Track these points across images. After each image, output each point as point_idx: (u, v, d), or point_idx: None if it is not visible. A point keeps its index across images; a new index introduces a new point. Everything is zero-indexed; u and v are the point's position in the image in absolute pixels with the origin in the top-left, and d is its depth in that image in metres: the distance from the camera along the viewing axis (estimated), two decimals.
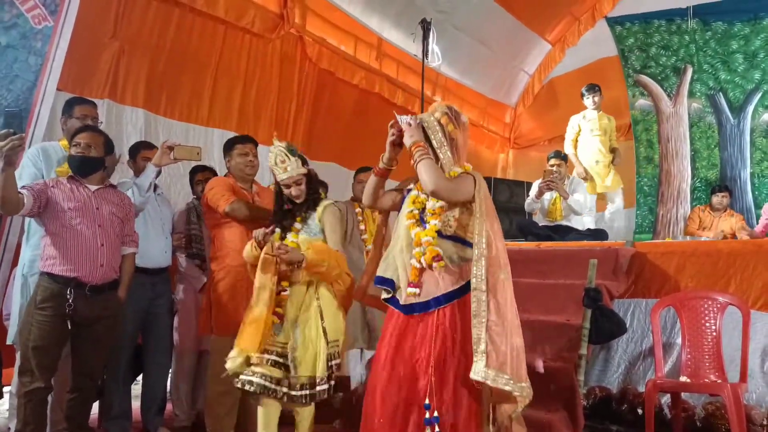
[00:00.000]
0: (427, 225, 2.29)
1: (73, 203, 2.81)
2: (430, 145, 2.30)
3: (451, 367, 2.17)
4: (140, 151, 3.54)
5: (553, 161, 5.24)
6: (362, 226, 4.23)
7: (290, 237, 2.84)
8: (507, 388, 2.09)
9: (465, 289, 2.20)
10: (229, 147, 3.48)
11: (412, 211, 2.35)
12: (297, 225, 2.87)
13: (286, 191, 2.86)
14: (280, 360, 2.70)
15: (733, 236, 5.57)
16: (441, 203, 2.28)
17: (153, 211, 3.48)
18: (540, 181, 5.24)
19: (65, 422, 2.89)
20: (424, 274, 2.26)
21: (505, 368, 2.09)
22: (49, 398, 2.86)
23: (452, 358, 2.18)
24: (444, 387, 2.16)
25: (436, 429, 2.12)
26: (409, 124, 2.30)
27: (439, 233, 2.26)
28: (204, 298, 3.43)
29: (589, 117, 6.17)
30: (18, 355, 2.93)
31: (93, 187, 2.92)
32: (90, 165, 2.90)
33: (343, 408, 3.60)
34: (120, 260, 2.97)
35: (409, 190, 2.44)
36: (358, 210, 4.12)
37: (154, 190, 3.44)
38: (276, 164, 2.80)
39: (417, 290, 2.25)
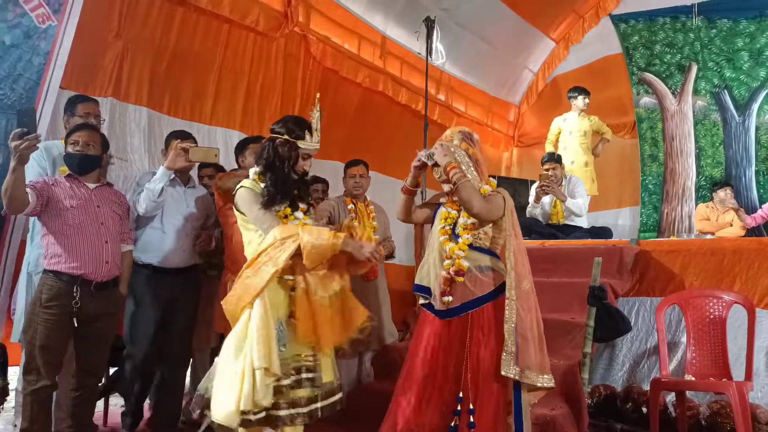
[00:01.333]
0: (459, 239, 2.59)
1: (75, 201, 2.82)
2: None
3: (483, 363, 2.46)
4: (172, 140, 3.37)
5: (547, 165, 5.23)
6: (355, 222, 4.23)
7: (300, 215, 2.49)
8: (532, 382, 2.44)
9: (493, 295, 2.54)
10: (242, 147, 3.58)
11: (444, 227, 2.65)
12: (302, 205, 2.52)
13: (302, 162, 2.50)
14: (305, 376, 2.34)
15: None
16: (473, 220, 2.57)
17: (175, 207, 3.28)
18: (536, 185, 5.25)
19: (69, 420, 2.89)
20: (455, 283, 2.56)
21: (532, 365, 2.44)
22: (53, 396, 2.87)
23: (485, 354, 2.47)
24: (478, 381, 2.44)
25: (471, 419, 2.40)
26: (431, 156, 2.61)
27: (470, 245, 2.57)
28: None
29: (569, 119, 6.31)
30: (23, 354, 2.95)
31: (91, 185, 2.93)
32: (89, 163, 2.90)
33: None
34: (120, 257, 2.98)
35: (440, 204, 2.72)
36: (350, 206, 4.12)
37: (186, 184, 3.37)
38: (316, 129, 2.55)
39: (450, 298, 2.55)
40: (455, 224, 2.63)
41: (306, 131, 2.49)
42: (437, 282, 2.58)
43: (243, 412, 2.10)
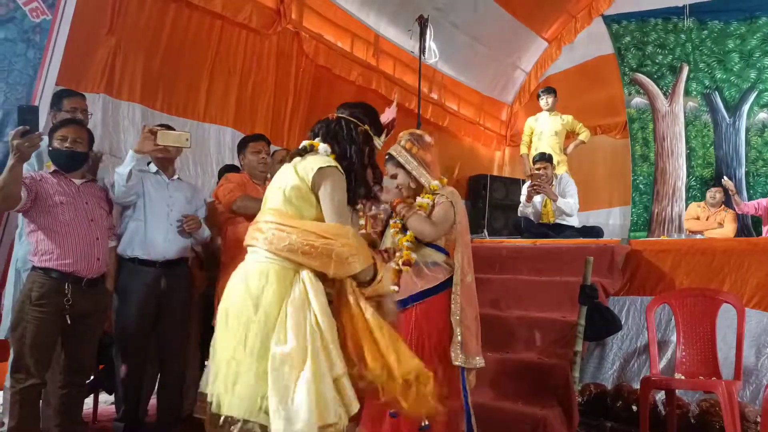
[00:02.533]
0: (408, 232, 2.70)
1: (64, 198, 2.79)
2: (407, 171, 2.74)
3: (428, 353, 2.56)
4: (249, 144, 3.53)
5: (538, 164, 5.25)
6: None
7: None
8: (474, 366, 2.66)
9: (437, 289, 2.66)
10: (242, 145, 3.58)
11: (395, 221, 2.78)
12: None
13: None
14: None
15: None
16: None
17: (158, 196, 3.22)
18: (527, 185, 5.27)
19: (59, 417, 2.87)
20: (402, 275, 2.65)
21: (473, 352, 2.65)
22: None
23: (430, 344, 2.60)
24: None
25: None
26: (377, 215, 2.80)
27: (419, 240, 2.68)
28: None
29: (541, 119, 6.28)
30: (11, 351, 2.92)
31: (78, 182, 2.90)
32: (77, 160, 2.87)
33: None
34: (108, 253, 2.97)
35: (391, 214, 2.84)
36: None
37: (170, 176, 3.32)
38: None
39: (397, 288, 2.60)
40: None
41: (379, 131, 2.26)
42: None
43: (326, 426, 1.80)
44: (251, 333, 1.85)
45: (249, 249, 2.03)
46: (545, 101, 6.20)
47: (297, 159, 2.08)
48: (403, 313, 2.56)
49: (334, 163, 2.03)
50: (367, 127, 2.17)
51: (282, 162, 3.49)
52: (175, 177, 3.37)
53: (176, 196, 3.29)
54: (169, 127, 3.19)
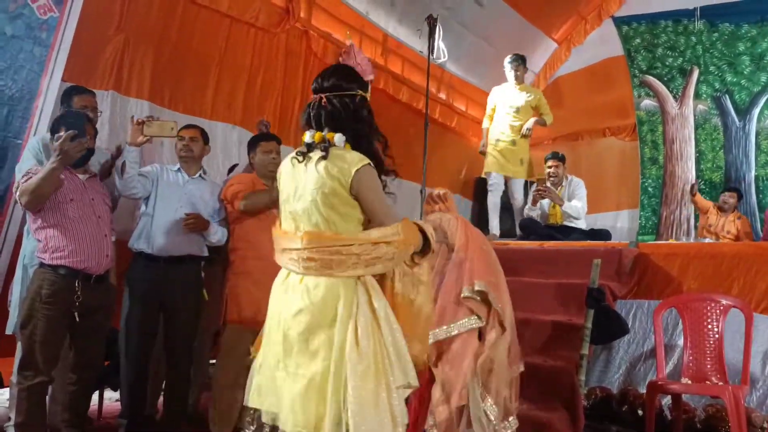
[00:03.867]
0: None
1: (71, 194, 2.80)
2: None
3: None
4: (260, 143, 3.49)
5: (550, 162, 5.21)
6: None
7: None
8: None
9: None
10: (253, 144, 3.56)
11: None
12: None
13: None
14: None
15: (737, 238, 5.54)
16: None
17: (170, 193, 3.27)
18: (534, 188, 5.24)
19: (66, 413, 2.88)
20: None
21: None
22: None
23: None
24: None
25: None
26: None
27: None
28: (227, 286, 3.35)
29: (506, 91, 5.82)
30: (19, 347, 2.93)
31: (82, 177, 2.90)
32: (85, 156, 2.88)
33: None
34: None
35: None
36: None
37: (193, 174, 3.38)
38: None
39: None
40: None
41: (365, 86, 2.05)
42: None
43: None
44: (315, 347, 1.81)
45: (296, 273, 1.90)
46: (511, 71, 5.67)
47: (316, 157, 1.90)
48: None
49: (365, 159, 1.89)
50: (360, 92, 1.99)
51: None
52: (197, 176, 3.41)
53: (191, 194, 3.32)
54: (156, 119, 3.21)
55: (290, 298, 1.87)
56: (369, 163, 1.88)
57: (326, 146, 1.90)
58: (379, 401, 1.75)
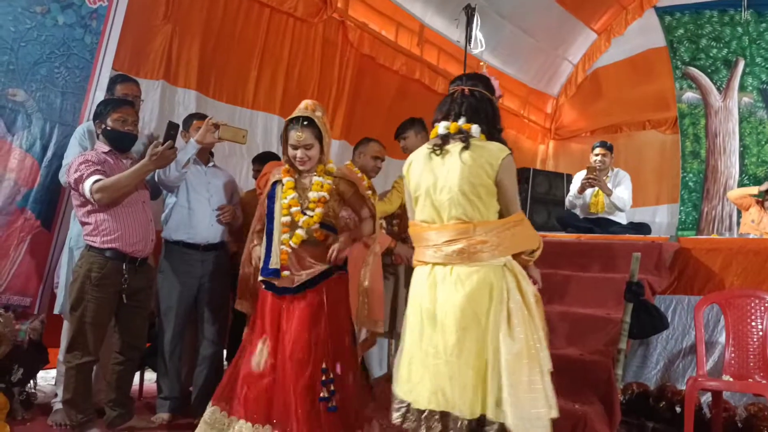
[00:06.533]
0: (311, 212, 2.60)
1: None
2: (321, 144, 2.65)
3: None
4: (193, 122, 3.46)
5: (597, 150, 5.05)
6: None
7: None
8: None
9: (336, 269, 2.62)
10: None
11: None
12: None
13: None
14: None
15: None
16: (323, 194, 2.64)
17: (198, 183, 3.36)
18: (582, 175, 5.09)
19: (113, 393, 2.97)
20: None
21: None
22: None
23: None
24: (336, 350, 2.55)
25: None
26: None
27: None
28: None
29: None
30: (66, 328, 3.03)
31: (127, 162, 2.96)
32: (134, 142, 2.97)
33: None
34: None
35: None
36: None
37: (206, 163, 3.45)
38: None
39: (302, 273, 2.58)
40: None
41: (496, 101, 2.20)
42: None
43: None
44: (473, 335, 1.91)
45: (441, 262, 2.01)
46: None
47: (456, 148, 1.99)
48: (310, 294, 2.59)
49: (506, 149, 2.01)
50: (493, 98, 2.14)
51: (377, 157, 3.67)
52: (211, 164, 3.50)
53: (214, 182, 3.44)
54: (227, 124, 3.28)
55: (443, 290, 1.97)
56: (510, 153, 1.99)
57: (466, 136, 2.00)
58: (533, 384, 1.86)
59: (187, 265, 3.30)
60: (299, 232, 2.57)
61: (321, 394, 2.47)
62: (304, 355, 2.48)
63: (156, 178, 3.19)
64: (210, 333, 3.40)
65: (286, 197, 2.61)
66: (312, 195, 2.61)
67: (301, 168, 2.63)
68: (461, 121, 2.03)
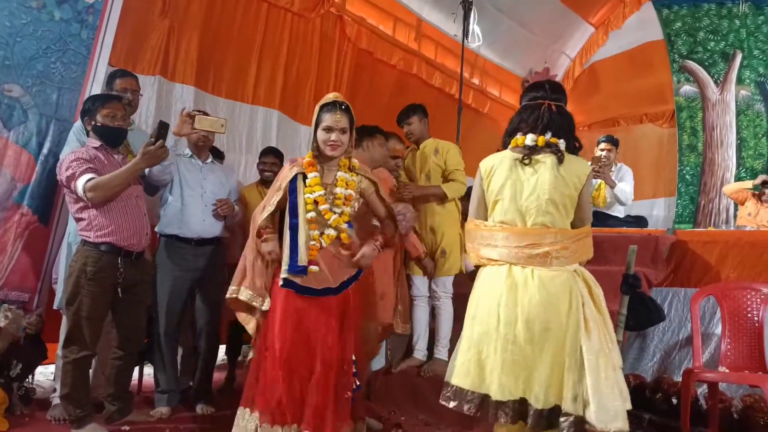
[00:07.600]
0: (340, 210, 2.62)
1: None
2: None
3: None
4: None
5: (603, 145, 5.02)
6: None
7: None
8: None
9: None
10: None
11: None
12: None
13: None
14: None
15: None
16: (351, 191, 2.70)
17: (192, 179, 3.38)
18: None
19: (111, 387, 2.98)
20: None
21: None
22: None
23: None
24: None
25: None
26: None
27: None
28: None
29: None
30: (64, 322, 3.03)
31: (118, 158, 2.96)
32: (123, 136, 2.96)
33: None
34: None
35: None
36: None
37: (203, 160, 3.46)
38: None
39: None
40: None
41: None
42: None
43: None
44: (555, 334, 2.09)
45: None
46: None
47: (548, 160, 2.17)
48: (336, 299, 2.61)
49: (588, 165, 2.26)
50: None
51: (395, 156, 3.72)
52: (209, 160, 3.51)
53: (210, 178, 3.45)
54: (205, 113, 3.30)
55: (526, 291, 2.13)
56: (593, 169, 2.27)
57: (557, 150, 2.19)
58: (609, 379, 2.05)
59: (180, 259, 3.33)
60: (330, 232, 2.54)
61: (347, 392, 2.53)
62: (336, 355, 2.51)
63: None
64: (206, 327, 3.43)
65: (311, 192, 2.54)
66: (338, 191, 2.57)
67: (330, 153, 2.56)
68: (548, 136, 2.19)
